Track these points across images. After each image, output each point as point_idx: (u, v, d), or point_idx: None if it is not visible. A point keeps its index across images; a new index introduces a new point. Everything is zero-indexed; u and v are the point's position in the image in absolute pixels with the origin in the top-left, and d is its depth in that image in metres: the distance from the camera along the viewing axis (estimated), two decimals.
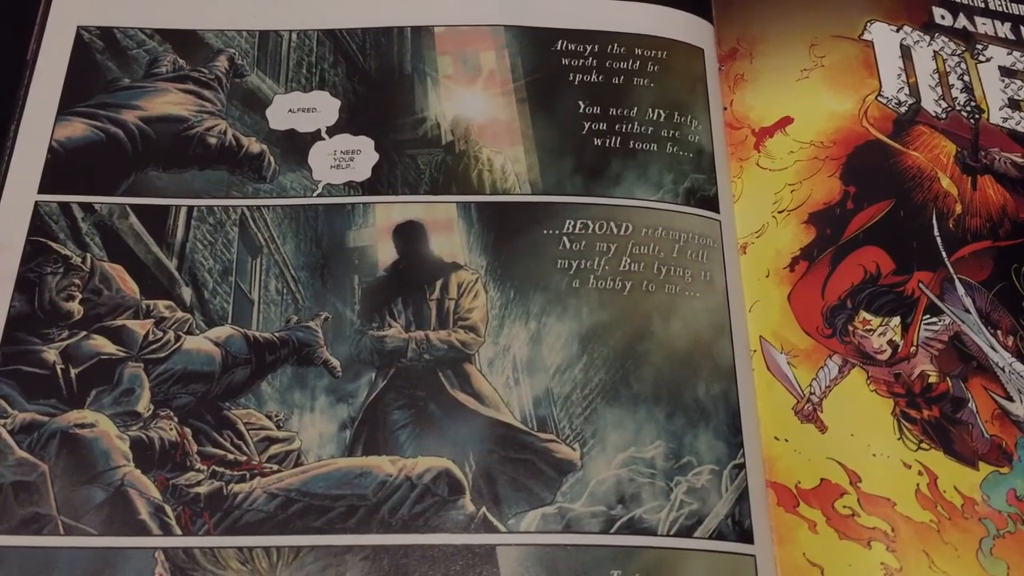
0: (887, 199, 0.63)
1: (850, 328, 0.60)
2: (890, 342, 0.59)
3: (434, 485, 0.53)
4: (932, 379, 0.58)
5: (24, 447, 0.53)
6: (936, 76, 0.69)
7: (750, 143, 0.66)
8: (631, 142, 0.64)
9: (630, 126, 0.64)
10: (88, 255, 0.59)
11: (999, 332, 0.60)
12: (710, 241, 0.61)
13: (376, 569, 0.51)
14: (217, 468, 0.54)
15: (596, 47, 0.67)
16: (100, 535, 0.51)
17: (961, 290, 0.61)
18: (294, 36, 0.67)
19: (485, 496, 0.53)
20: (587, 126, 0.64)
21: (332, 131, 0.64)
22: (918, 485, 0.55)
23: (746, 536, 0.53)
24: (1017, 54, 0.71)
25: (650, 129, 0.64)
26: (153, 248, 0.60)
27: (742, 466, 0.55)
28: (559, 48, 0.67)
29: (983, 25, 0.72)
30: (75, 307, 0.57)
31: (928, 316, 0.60)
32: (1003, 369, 0.59)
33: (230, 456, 0.54)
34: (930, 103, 0.68)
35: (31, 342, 0.56)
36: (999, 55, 0.70)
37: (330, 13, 0.68)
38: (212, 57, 0.66)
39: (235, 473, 0.54)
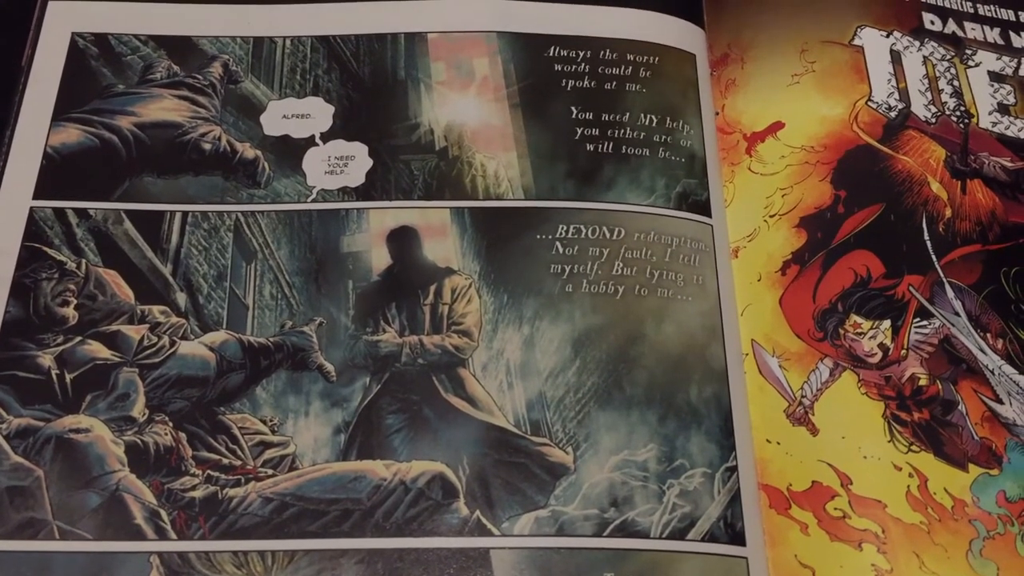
0: (877, 203, 0.64)
1: (841, 331, 0.60)
2: (881, 345, 0.60)
3: (428, 489, 0.54)
4: (922, 382, 0.59)
5: (19, 452, 0.53)
6: (926, 81, 0.69)
7: (742, 148, 0.66)
8: (623, 147, 0.64)
9: (622, 131, 0.65)
10: (83, 260, 0.59)
11: (988, 335, 0.60)
12: (702, 245, 0.61)
13: (371, 573, 0.51)
14: (212, 472, 0.54)
15: (588, 53, 0.67)
16: (95, 540, 0.51)
17: (951, 293, 0.61)
18: (288, 42, 0.67)
19: (479, 499, 0.54)
20: (580, 131, 0.65)
21: (326, 137, 0.64)
22: (908, 487, 0.55)
23: (738, 538, 0.53)
24: (1006, 59, 0.71)
25: (642, 134, 0.65)
26: (148, 253, 0.60)
27: (734, 469, 0.55)
28: (551, 54, 0.67)
29: (972, 30, 0.72)
30: (70, 312, 0.57)
31: (918, 319, 0.61)
32: (992, 372, 0.59)
33: (225, 460, 0.54)
34: (920, 108, 0.68)
35: (26, 347, 0.56)
36: (988, 60, 0.71)
37: (324, 20, 0.68)
38: (206, 63, 0.66)
39: (230, 477, 0.54)
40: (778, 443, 0.57)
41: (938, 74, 0.70)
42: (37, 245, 0.59)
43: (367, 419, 0.56)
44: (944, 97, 0.69)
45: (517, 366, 0.58)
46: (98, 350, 0.57)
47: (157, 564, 0.51)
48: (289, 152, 0.64)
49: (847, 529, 0.54)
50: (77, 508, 0.52)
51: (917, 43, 0.71)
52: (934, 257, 0.62)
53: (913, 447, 0.57)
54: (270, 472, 0.54)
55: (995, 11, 0.73)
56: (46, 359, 0.56)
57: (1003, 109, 0.69)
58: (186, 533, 0.52)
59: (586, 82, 0.66)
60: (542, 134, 0.64)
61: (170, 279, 0.59)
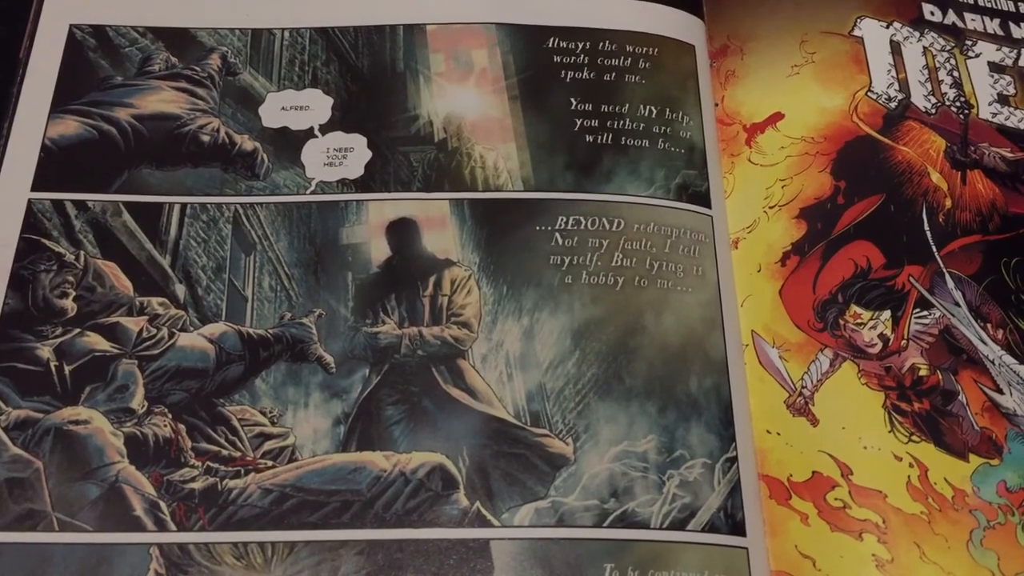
0: (877, 194, 0.64)
1: (841, 322, 0.60)
2: (881, 335, 0.60)
3: (428, 480, 0.54)
4: (922, 372, 0.59)
5: (18, 444, 0.53)
6: (926, 72, 0.69)
7: (741, 139, 0.66)
8: (623, 138, 0.64)
9: (622, 123, 0.64)
10: (81, 252, 0.59)
11: (989, 325, 0.60)
12: (702, 236, 0.61)
13: (370, 563, 0.51)
14: (212, 464, 0.54)
15: (588, 44, 0.67)
16: (95, 531, 0.51)
17: (951, 283, 0.61)
18: (286, 34, 0.67)
19: (479, 490, 0.54)
20: (579, 123, 0.64)
21: (325, 129, 0.64)
22: (909, 477, 0.55)
23: (738, 529, 0.53)
24: (1006, 50, 0.71)
25: (642, 125, 0.64)
26: (146, 245, 0.60)
27: (734, 459, 0.55)
28: (551, 45, 0.67)
29: (972, 21, 0.72)
30: (69, 304, 0.57)
31: (918, 309, 0.61)
32: (993, 362, 0.59)
33: (224, 452, 0.54)
34: (920, 99, 0.68)
35: (25, 339, 0.56)
36: (988, 51, 0.71)
37: (322, 11, 0.68)
38: (205, 55, 0.66)
39: (230, 469, 0.54)
40: (778, 434, 0.57)
41: (938, 65, 0.70)
42: (35, 237, 0.59)
43: (367, 410, 0.56)
44: (944, 88, 0.69)
45: (517, 357, 0.58)
46: (97, 342, 0.56)
47: (157, 555, 0.51)
48: (288, 144, 0.64)
49: (847, 519, 0.54)
50: (76, 500, 0.52)
51: (917, 34, 0.71)
52: (934, 247, 0.62)
53: (913, 437, 0.57)
54: (270, 463, 0.54)
55: (995, 2, 0.73)
56: (45, 351, 0.56)
57: (1003, 100, 0.69)
58: (186, 524, 0.52)
59: (585, 73, 0.66)
60: (541, 125, 0.64)
61: (169, 271, 0.59)
